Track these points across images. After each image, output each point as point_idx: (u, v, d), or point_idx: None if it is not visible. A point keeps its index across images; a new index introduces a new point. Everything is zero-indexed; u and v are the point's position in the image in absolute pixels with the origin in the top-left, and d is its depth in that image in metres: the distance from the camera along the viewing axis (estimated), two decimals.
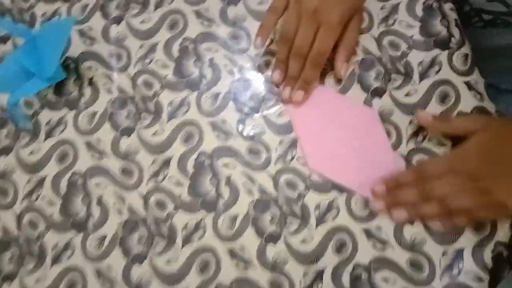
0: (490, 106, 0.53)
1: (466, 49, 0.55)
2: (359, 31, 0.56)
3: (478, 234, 0.50)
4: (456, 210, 0.47)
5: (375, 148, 0.53)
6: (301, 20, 0.52)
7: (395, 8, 0.57)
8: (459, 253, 0.49)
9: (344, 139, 0.54)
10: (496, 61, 0.60)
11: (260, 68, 0.57)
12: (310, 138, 0.54)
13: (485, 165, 0.47)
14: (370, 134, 0.53)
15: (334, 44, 0.52)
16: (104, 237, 0.53)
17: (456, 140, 0.52)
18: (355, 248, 0.50)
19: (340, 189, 0.52)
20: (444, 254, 0.49)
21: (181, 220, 0.52)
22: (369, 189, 0.51)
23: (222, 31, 0.58)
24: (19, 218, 0.54)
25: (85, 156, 0.55)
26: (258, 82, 0.56)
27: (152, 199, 0.53)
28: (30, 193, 0.55)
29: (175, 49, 0.58)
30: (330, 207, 0.52)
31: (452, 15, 0.56)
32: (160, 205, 0.53)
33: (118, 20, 0.60)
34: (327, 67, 0.55)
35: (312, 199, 0.52)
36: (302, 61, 0.53)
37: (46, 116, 0.57)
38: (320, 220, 0.51)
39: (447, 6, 0.56)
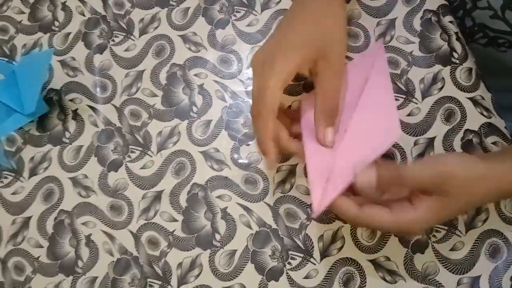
0: (498, 121, 0.50)
1: (469, 63, 0.52)
2: (338, 82, 0.44)
3: (494, 260, 0.46)
4: None
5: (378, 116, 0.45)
6: None
7: (391, 24, 0.54)
8: (475, 282, 0.46)
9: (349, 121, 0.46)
10: (497, 79, 0.57)
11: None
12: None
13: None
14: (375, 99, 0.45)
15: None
16: (94, 279, 0.49)
17: None
18: (363, 282, 0.47)
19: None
20: (459, 283, 0.46)
21: (176, 258, 0.49)
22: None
23: (211, 55, 0.55)
24: (4, 262, 0.51)
25: (71, 194, 0.52)
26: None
27: (144, 237, 0.50)
28: (15, 235, 0.51)
29: (163, 76, 0.55)
30: (334, 238, 0.48)
31: (453, 29, 0.53)
32: (153, 243, 0.50)
33: (101, 49, 0.57)
34: None
35: (315, 230, 0.49)
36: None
37: (29, 153, 0.54)
38: (324, 253, 0.48)
39: (447, 19, 0.53)
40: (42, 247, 0.51)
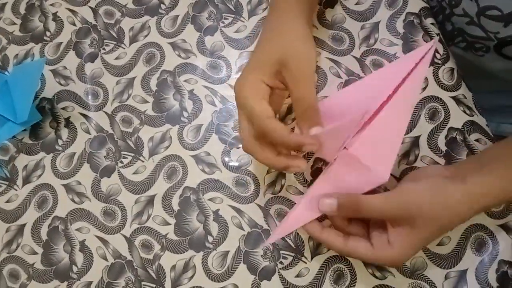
0: (480, 119, 0.52)
1: (451, 63, 0.53)
2: (303, 86, 0.45)
3: (480, 254, 0.48)
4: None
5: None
6: None
7: (375, 27, 0.56)
8: (462, 275, 0.47)
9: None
10: (477, 81, 0.58)
11: None
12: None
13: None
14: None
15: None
16: (89, 284, 0.50)
17: (450, 159, 0.50)
18: (353, 278, 0.48)
19: None
20: (446, 277, 0.47)
21: (169, 261, 0.50)
22: None
23: (200, 61, 0.57)
24: None
25: (64, 200, 0.53)
26: None
27: (137, 241, 0.51)
28: (9, 243, 0.52)
29: (153, 83, 0.56)
30: None
31: (434, 30, 0.55)
32: (146, 246, 0.51)
33: (92, 58, 0.58)
34: None
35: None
36: None
37: (22, 161, 0.55)
38: (315, 252, 0.49)
39: (428, 21, 0.55)
40: (36, 253, 0.51)
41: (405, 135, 0.51)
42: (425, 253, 0.48)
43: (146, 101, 0.56)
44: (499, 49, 0.56)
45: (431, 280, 0.47)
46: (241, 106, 0.45)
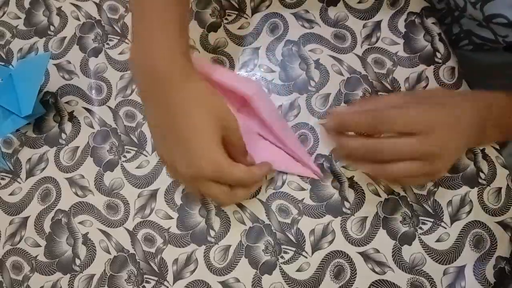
0: None
1: (452, 62, 0.54)
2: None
3: (478, 250, 0.48)
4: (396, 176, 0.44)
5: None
6: None
7: (377, 26, 0.56)
8: (460, 271, 0.48)
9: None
10: (481, 80, 0.59)
11: None
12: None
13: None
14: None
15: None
16: (92, 277, 0.51)
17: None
18: (353, 273, 0.49)
19: (335, 213, 0.50)
20: (445, 273, 0.48)
21: (171, 255, 0.50)
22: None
23: (204, 57, 0.57)
24: (2, 262, 0.52)
25: (68, 194, 0.53)
26: None
27: (140, 235, 0.51)
28: (13, 235, 0.53)
29: None
30: (325, 231, 0.50)
31: (436, 30, 0.55)
32: (149, 240, 0.51)
33: (96, 52, 0.58)
34: None
35: (306, 225, 0.50)
36: None
37: (26, 154, 0.55)
38: (315, 246, 0.49)
39: (430, 21, 0.56)
40: (39, 246, 0.52)
41: None
42: (424, 249, 0.49)
43: None
44: (508, 49, 0.56)
45: (429, 276, 0.48)
46: (222, 176, 0.43)
